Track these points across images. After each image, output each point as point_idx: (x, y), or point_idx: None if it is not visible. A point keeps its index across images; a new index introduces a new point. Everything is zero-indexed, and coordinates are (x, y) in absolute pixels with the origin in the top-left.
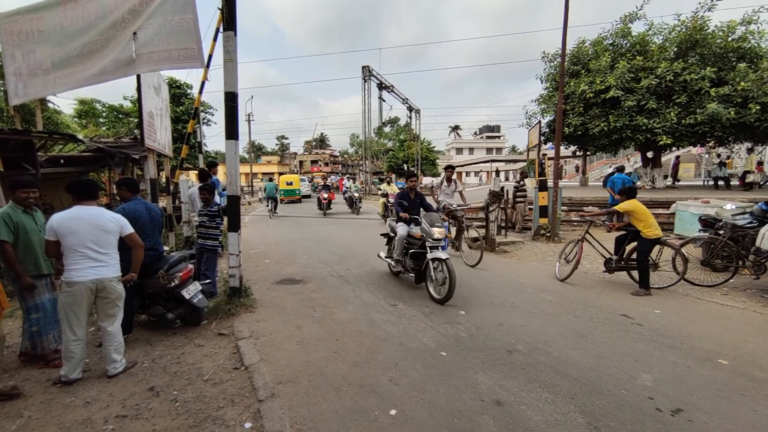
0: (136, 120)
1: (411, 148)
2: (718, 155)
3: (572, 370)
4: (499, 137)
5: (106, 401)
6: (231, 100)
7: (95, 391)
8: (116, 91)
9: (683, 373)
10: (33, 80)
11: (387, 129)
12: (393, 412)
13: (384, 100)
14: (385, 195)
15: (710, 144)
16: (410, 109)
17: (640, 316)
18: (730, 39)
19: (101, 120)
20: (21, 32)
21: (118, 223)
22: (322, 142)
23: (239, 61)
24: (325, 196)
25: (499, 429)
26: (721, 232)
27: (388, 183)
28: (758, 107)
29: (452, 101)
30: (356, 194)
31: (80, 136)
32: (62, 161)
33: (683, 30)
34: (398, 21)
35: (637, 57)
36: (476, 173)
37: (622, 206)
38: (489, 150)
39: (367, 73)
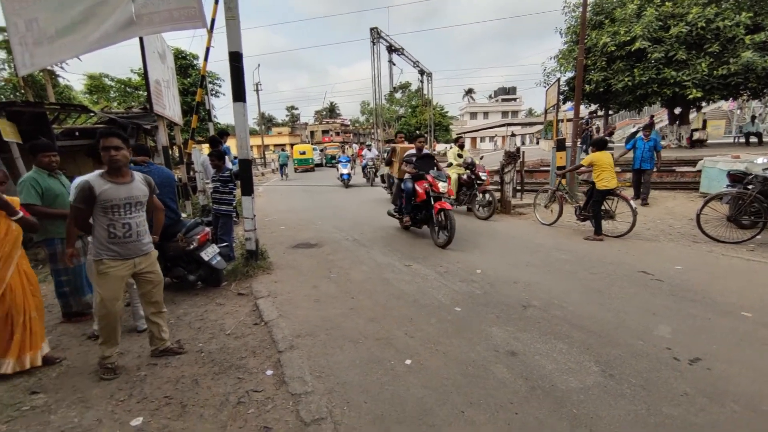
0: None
1: (423, 113)
2: (753, 111)
3: (588, 323)
4: (515, 100)
5: (138, 352)
6: (236, 60)
7: (127, 343)
8: (125, 65)
9: (704, 325)
10: (38, 49)
11: (398, 95)
12: (408, 361)
13: (394, 64)
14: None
15: (743, 97)
16: (422, 72)
17: (660, 272)
18: None
19: (112, 95)
20: (23, 0)
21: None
22: (332, 111)
23: (243, 27)
24: (345, 172)
25: (513, 376)
26: (750, 186)
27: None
28: None
29: (467, 63)
30: (371, 164)
31: (91, 108)
32: (77, 133)
33: None
34: None
35: (666, 3)
36: (491, 138)
37: (585, 160)
38: (504, 114)
39: (376, 35)
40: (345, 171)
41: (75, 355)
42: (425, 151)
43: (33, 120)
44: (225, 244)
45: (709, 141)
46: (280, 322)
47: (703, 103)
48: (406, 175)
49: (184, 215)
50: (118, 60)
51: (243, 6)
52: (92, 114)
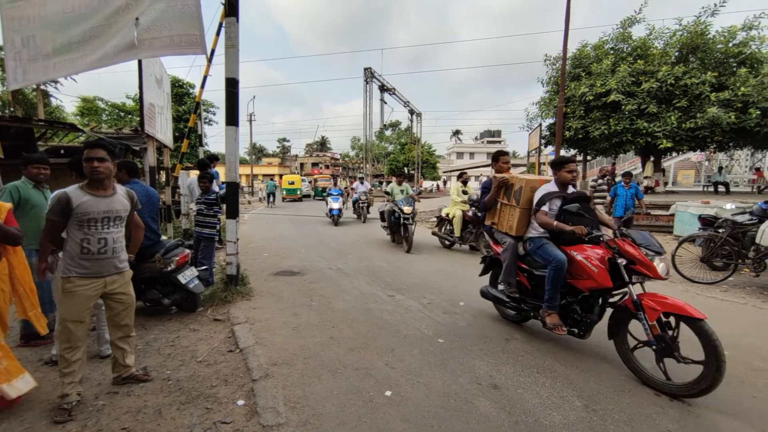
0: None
1: (412, 151)
2: (720, 162)
3: (570, 357)
4: (500, 142)
5: (98, 380)
6: (232, 86)
7: (88, 370)
8: (119, 89)
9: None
10: (33, 65)
11: (388, 132)
12: (388, 393)
13: (385, 103)
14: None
15: (711, 149)
16: (411, 112)
17: None
18: (730, 44)
19: (103, 118)
20: (22, 17)
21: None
22: (323, 144)
23: (241, 59)
24: (336, 207)
25: (495, 410)
26: (720, 230)
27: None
28: (758, 112)
29: (455, 106)
30: (363, 198)
31: (81, 127)
32: (62, 151)
33: (684, 35)
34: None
35: (638, 61)
36: (476, 177)
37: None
38: (489, 154)
39: (369, 75)
40: (335, 205)
41: None
42: (571, 188)
43: (19, 136)
44: (204, 267)
45: (677, 189)
46: (257, 349)
47: (674, 153)
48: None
49: (164, 237)
50: (115, 84)
51: (243, 39)
52: (81, 133)
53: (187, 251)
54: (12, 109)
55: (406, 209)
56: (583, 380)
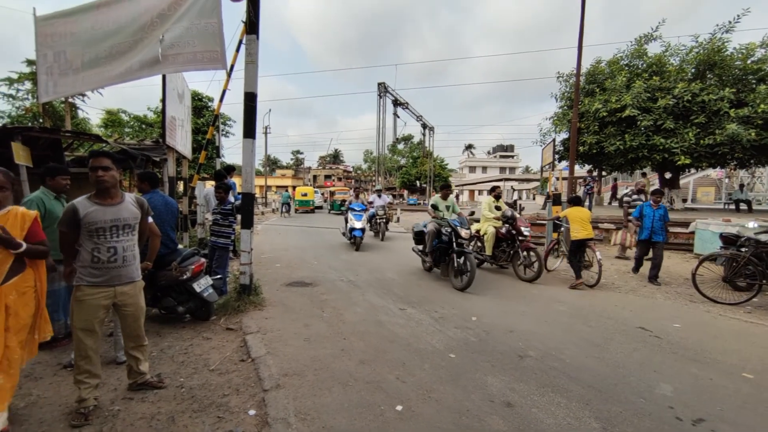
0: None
1: (424, 165)
2: (741, 179)
3: (587, 377)
4: (512, 157)
5: (114, 385)
6: (250, 100)
7: (105, 375)
8: (142, 102)
9: (705, 385)
10: (63, 79)
11: (401, 146)
12: (399, 407)
13: (398, 117)
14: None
15: (731, 166)
16: (424, 126)
17: (658, 329)
18: (749, 61)
19: (126, 130)
20: (55, 34)
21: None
22: (336, 157)
23: (259, 73)
24: (358, 226)
25: (509, 429)
26: (743, 249)
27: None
28: None
29: (468, 120)
30: (381, 212)
31: (105, 138)
32: (87, 162)
33: (701, 51)
34: (419, 41)
35: (654, 77)
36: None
37: (561, 214)
38: (502, 169)
39: (383, 89)
40: (357, 224)
41: (47, 386)
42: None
43: (47, 146)
44: (219, 276)
45: (696, 206)
46: (268, 359)
47: (692, 170)
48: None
49: (180, 246)
50: (138, 98)
51: (260, 54)
52: (105, 143)
53: (203, 260)
54: (41, 120)
55: (464, 232)
56: (600, 401)
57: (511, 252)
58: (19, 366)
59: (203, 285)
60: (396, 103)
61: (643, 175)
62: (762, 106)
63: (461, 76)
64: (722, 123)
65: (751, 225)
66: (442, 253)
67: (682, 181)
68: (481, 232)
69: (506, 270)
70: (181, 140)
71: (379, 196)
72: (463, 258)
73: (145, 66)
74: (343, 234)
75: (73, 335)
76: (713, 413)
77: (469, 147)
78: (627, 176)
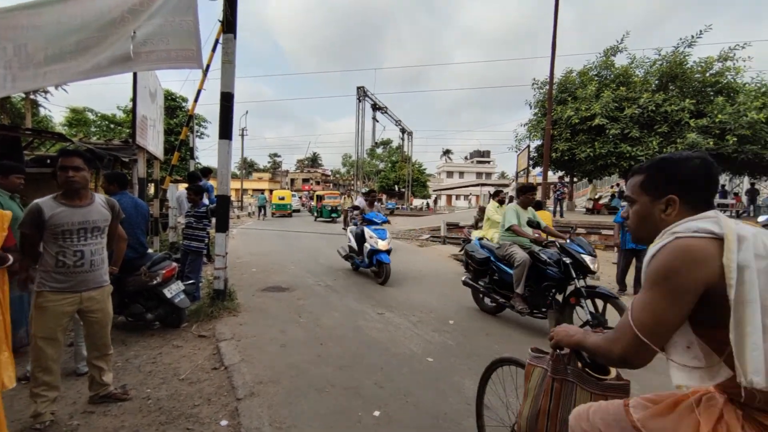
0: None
1: (402, 169)
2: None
3: None
4: (489, 162)
5: (74, 398)
6: (227, 100)
7: (63, 387)
8: (111, 101)
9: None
10: (23, 73)
11: (379, 150)
12: (377, 413)
13: (377, 121)
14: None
15: None
16: (403, 131)
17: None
18: (708, 74)
19: (92, 129)
20: (16, 27)
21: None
22: (314, 161)
23: (236, 75)
24: (382, 248)
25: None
26: None
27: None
28: (735, 139)
29: (446, 126)
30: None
31: (69, 137)
32: (48, 161)
33: (664, 64)
34: (400, 45)
35: (621, 87)
36: (465, 196)
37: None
38: (479, 174)
39: (362, 93)
40: (382, 245)
41: None
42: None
43: (3, 144)
44: (191, 281)
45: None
46: (242, 366)
47: None
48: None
49: (150, 250)
50: (106, 96)
51: (237, 55)
52: (69, 143)
53: (174, 264)
54: None
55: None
56: None
57: None
58: None
59: (174, 290)
60: (375, 107)
61: (557, 186)
62: (719, 116)
63: (440, 82)
64: (683, 132)
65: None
66: (542, 293)
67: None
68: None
69: None
70: (153, 140)
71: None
72: (595, 309)
73: (115, 62)
74: (345, 257)
75: (31, 345)
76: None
77: (446, 152)
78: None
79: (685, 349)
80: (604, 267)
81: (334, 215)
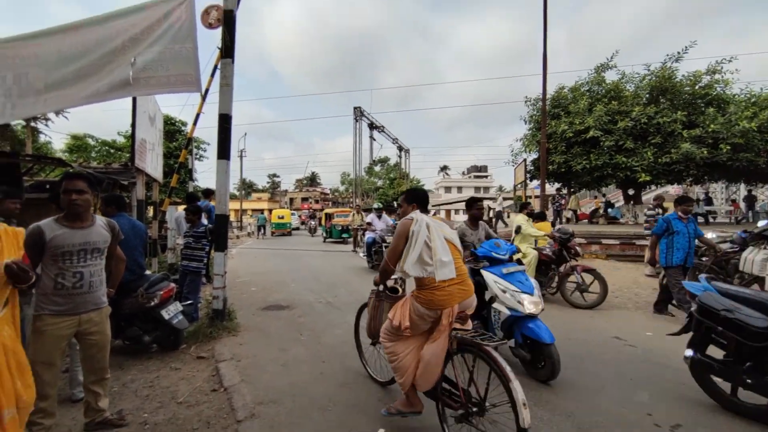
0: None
1: (401, 186)
2: (703, 193)
3: (569, 390)
4: (486, 177)
5: (69, 425)
6: (225, 122)
7: (59, 414)
8: (112, 127)
9: (679, 391)
10: (22, 101)
11: (377, 168)
12: (381, 431)
13: (374, 140)
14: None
15: (687, 183)
16: (400, 148)
17: (632, 338)
18: (697, 87)
19: (93, 155)
20: (17, 56)
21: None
22: (313, 180)
23: (234, 99)
24: (534, 307)
25: None
26: (704, 258)
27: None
28: (728, 147)
29: (443, 143)
30: (389, 238)
31: (68, 162)
32: (48, 186)
33: (653, 79)
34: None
35: (613, 102)
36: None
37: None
38: (477, 189)
39: (359, 113)
40: (531, 305)
41: None
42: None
43: (3, 170)
44: (190, 302)
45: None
46: (242, 387)
47: (653, 186)
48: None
49: (148, 272)
50: (105, 122)
51: (235, 80)
52: (68, 167)
53: (172, 285)
54: None
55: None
56: (582, 413)
57: (561, 275)
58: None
59: (172, 312)
60: (372, 126)
61: (554, 199)
62: (712, 126)
63: (436, 101)
64: (677, 143)
65: (710, 236)
66: None
67: (644, 197)
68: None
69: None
70: (152, 163)
71: (379, 217)
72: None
73: (114, 88)
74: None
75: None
76: (689, 418)
77: (444, 168)
78: (594, 192)
79: (410, 263)
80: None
81: (345, 236)
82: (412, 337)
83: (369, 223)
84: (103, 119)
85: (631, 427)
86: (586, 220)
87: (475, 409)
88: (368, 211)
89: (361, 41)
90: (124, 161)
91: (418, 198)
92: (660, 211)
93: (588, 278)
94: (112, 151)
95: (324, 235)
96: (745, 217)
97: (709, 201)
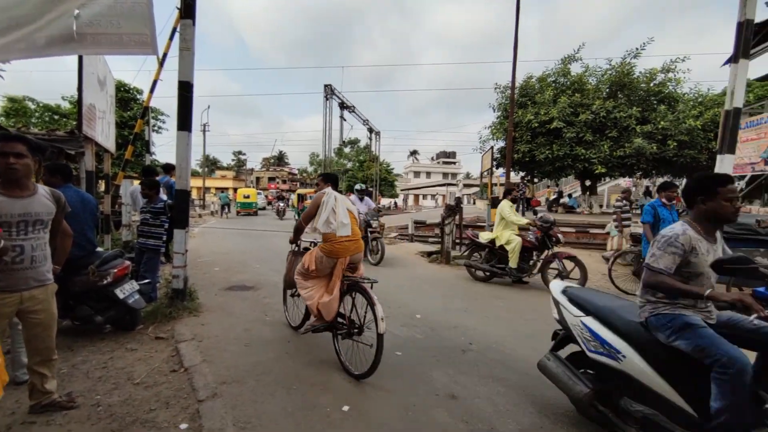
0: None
1: (370, 168)
2: (647, 187)
3: (523, 366)
4: (454, 163)
5: (12, 408)
6: (185, 89)
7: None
8: (54, 90)
9: None
10: None
11: (347, 149)
12: (346, 408)
13: (345, 120)
14: None
15: (637, 176)
16: (371, 130)
17: None
18: (652, 84)
19: (33, 120)
20: None
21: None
22: (280, 159)
23: (197, 68)
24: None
25: (453, 420)
26: None
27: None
28: (675, 144)
29: (413, 127)
30: (375, 224)
31: (4, 127)
32: None
33: (613, 74)
34: (369, 45)
35: (576, 94)
36: (432, 196)
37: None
38: (445, 175)
39: (329, 91)
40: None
41: None
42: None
43: None
44: (147, 281)
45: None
46: (203, 367)
47: (607, 179)
48: None
49: (100, 249)
50: (47, 84)
51: (200, 48)
52: (5, 131)
53: (128, 263)
54: None
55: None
56: (535, 387)
57: (544, 260)
58: None
59: (128, 291)
60: (343, 106)
61: (518, 187)
62: (662, 123)
63: (408, 82)
64: (630, 137)
65: None
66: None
67: (599, 189)
68: (505, 242)
69: (442, 270)
70: (103, 132)
71: (362, 199)
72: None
73: (54, 42)
74: None
75: None
76: None
77: (413, 153)
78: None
79: (321, 222)
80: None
81: None
82: (317, 278)
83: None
84: (44, 81)
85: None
86: (537, 207)
87: (356, 330)
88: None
89: (336, 13)
90: (70, 128)
91: (331, 179)
92: (627, 203)
93: (569, 265)
94: (56, 117)
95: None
96: (686, 210)
97: (649, 194)
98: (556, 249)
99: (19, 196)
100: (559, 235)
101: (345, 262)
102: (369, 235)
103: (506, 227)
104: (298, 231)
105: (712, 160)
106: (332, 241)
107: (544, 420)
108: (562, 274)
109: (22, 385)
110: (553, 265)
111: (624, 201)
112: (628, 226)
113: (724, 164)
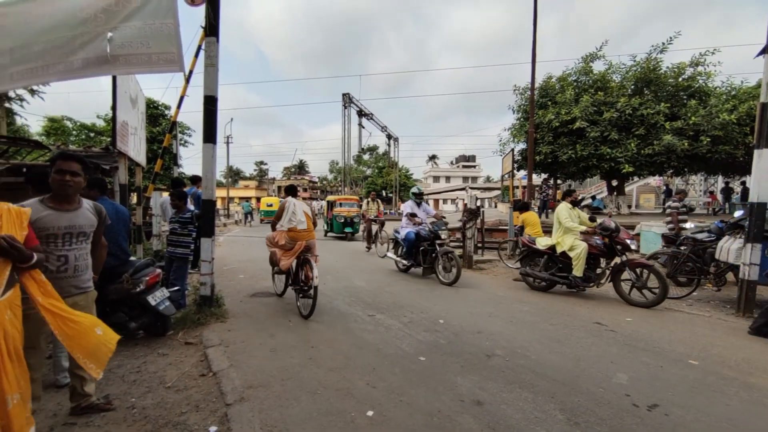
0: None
1: (389, 174)
2: (679, 186)
3: (551, 372)
4: (474, 166)
5: (54, 410)
6: (210, 103)
7: (43, 399)
8: (89, 110)
9: (657, 373)
10: None
11: (366, 156)
12: (370, 413)
13: (363, 127)
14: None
15: (668, 174)
16: (389, 137)
17: (612, 323)
18: (680, 79)
19: (71, 138)
20: None
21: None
22: (301, 168)
23: (219, 83)
24: None
25: (480, 427)
26: (683, 247)
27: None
28: (708, 140)
29: (432, 132)
30: (444, 236)
31: (46, 145)
32: (24, 169)
33: (638, 70)
34: (385, 52)
35: (599, 92)
36: (453, 200)
37: (516, 221)
38: (465, 178)
39: (348, 100)
40: None
41: None
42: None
43: None
44: (177, 288)
45: (639, 211)
46: (231, 372)
47: (635, 178)
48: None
49: (133, 258)
50: (83, 105)
51: (222, 64)
52: (46, 150)
53: (159, 271)
54: None
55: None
56: (564, 394)
57: (614, 269)
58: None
59: (159, 298)
60: (361, 113)
61: (541, 189)
62: (693, 118)
63: (425, 88)
64: (659, 134)
65: (688, 225)
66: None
67: (626, 189)
68: (565, 248)
69: (463, 275)
70: (135, 147)
71: (419, 204)
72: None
73: (90, 65)
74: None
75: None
76: (666, 398)
77: (432, 157)
78: (578, 184)
79: (285, 221)
80: None
81: (348, 230)
82: (281, 250)
83: (412, 214)
84: (81, 102)
85: (611, 407)
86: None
87: (306, 288)
88: (383, 200)
89: (352, 24)
90: (105, 144)
91: (291, 190)
92: (683, 204)
93: (643, 274)
94: (91, 135)
95: (325, 228)
96: (722, 208)
97: (669, 193)
98: (627, 256)
99: (67, 209)
100: (628, 241)
101: (302, 244)
102: (438, 248)
103: (567, 232)
104: (273, 227)
105: (749, 155)
106: (294, 231)
107: (574, 428)
108: (637, 284)
109: (62, 389)
110: (624, 275)
111: (681, 202)
112: (685, 229)
113: (762, 159)
